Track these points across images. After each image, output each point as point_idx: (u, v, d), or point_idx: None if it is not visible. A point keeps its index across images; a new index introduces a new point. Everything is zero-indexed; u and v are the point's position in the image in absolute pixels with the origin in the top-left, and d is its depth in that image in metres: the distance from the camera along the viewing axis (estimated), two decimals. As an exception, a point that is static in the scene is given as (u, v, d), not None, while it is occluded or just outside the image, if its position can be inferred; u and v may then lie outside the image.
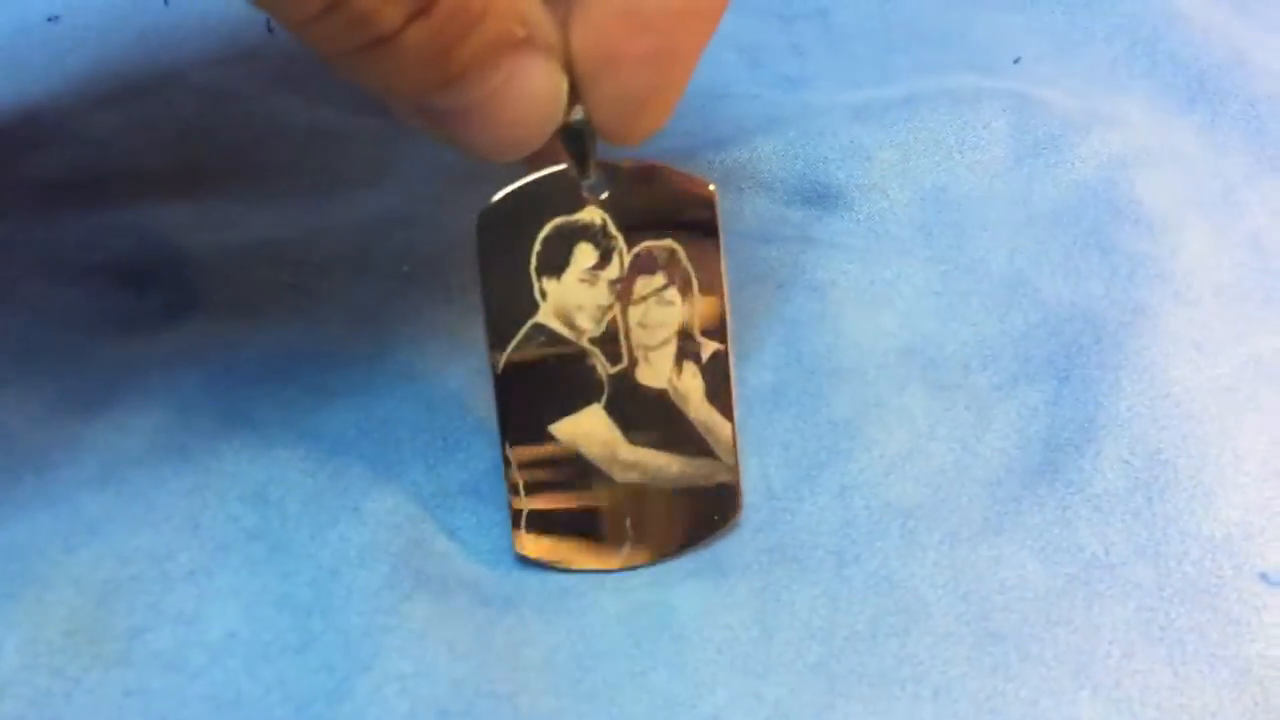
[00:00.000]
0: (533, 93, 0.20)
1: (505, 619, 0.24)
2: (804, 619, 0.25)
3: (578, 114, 0.21)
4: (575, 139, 0.22)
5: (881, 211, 0.32)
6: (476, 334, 0.25)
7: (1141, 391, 0.28)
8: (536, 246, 0.24)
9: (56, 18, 0.33)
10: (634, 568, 0.25)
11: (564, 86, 0.20)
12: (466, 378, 0.27)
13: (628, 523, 0.25)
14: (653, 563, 0.25)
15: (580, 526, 0.25)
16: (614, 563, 0.25)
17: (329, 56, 0.19)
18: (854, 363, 0.29)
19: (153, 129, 0.31)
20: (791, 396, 0.28)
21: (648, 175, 0.24)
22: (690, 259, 0.25)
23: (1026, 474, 0.27)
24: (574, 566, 0.25)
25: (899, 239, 0.32)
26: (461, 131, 0.20)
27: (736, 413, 0.25)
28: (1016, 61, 0.38)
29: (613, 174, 0.23)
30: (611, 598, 0.24)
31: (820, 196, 0.32)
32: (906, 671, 0.24)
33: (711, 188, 0.24)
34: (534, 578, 0.25)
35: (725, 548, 0.26)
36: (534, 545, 0.25)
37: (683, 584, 0.25)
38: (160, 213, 0.29)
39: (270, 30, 0.33)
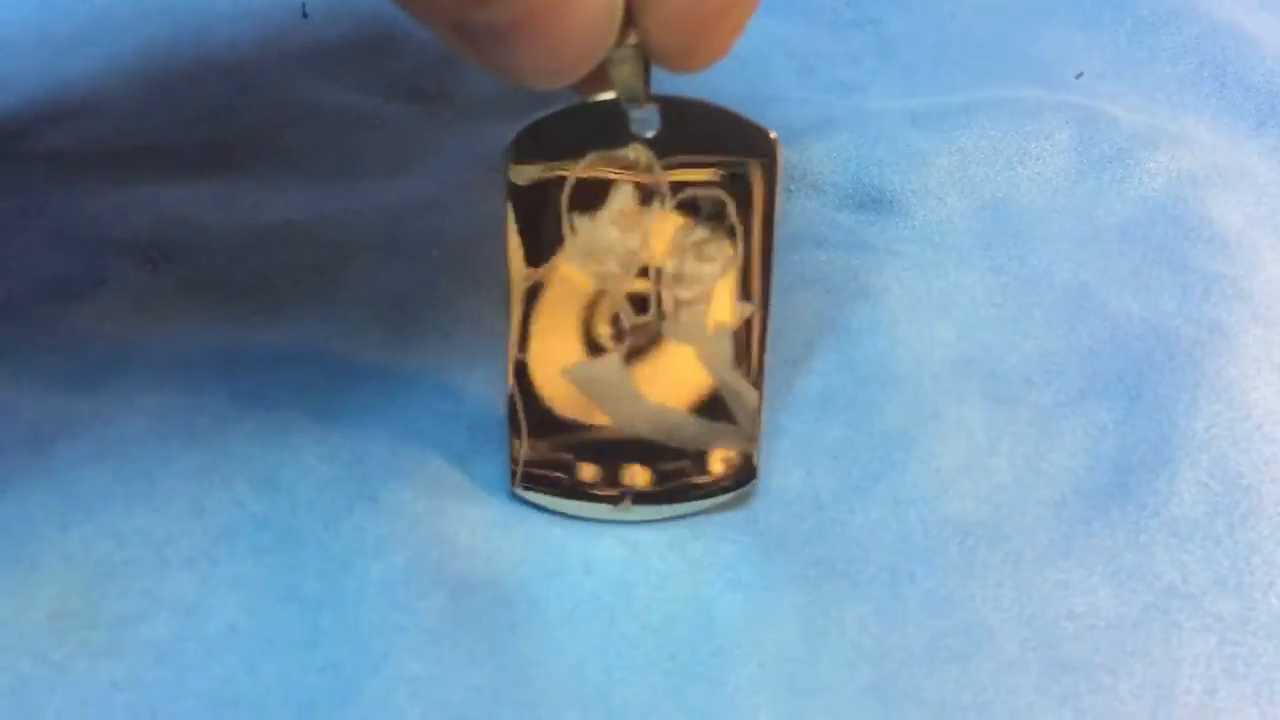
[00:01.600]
0: (583, 8, 0.18)
1: (529, 623, 0.22)
2: (855, 638, 0.22)
3: (632, 37, 0.19)
4: (627, 65, 0.20)
5: (939, 219, 0.31)
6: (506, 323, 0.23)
7: (1220, 412, 0.26)
8: (571, 179, 0.22)
9: (87, -7, 0.32)
10: (634, 522, 0.23)
11: (619, 1, 0.18)
12: (495, 368, 0.25)
13: (633, 474, 0.23)
14: (653, 520, 0.23)
15: (584, 473, 0.23)
16: (614, 514, 0.23)
17: None
18: (909, 372, 0.27)
19: (178, 107, 0.30)
20: (842, 404, 0.26)
21: (704, 115, 0.21)
22: (739, 214, 0.22)
23: (1095, 495, 0.25)
24: (572, 513, 0.23)
25: (957, 248, 0.30)
26: (501, 52, 0.18)
27: (766, 385, 0.23)
28: (1079, 77, 0.36)
29: (665, 110, 0.21)
30: (646, 606, 0.22)
31: (874, 201, 0.31)
32: (967, 699, 0.22)
33: (773, 136, 0.22)
34: (560, 580, 0.23)
35: (769, 560, 0.24)
36: (532, 487, 0.23)
37: (724, 595, 0.23)
38: (182, 191, 0.28)
39: (305, 15, 0.32)
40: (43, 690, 0.20)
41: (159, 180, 0.28)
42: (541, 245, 0.22)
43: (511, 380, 0.23)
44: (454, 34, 0.18)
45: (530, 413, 0.23)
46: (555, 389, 0.23)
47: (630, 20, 0.19)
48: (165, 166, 0.28)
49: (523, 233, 0.22)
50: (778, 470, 0.25)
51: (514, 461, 0.23)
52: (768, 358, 0.23)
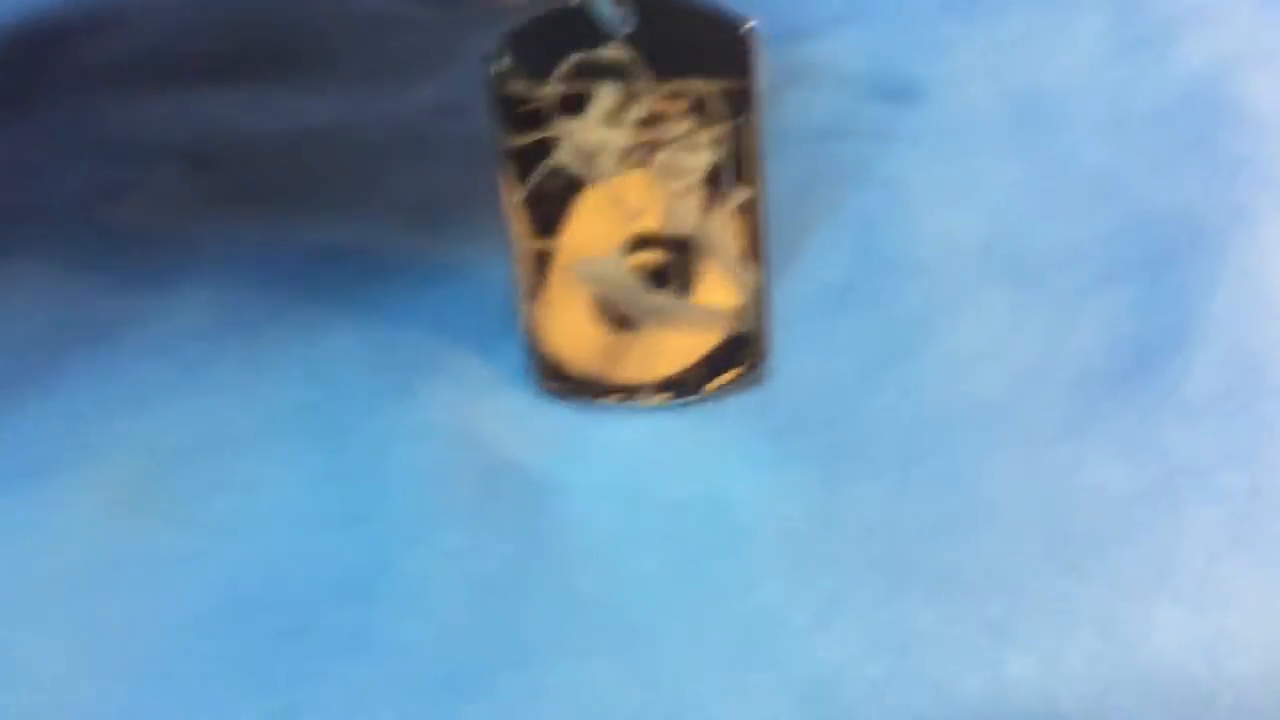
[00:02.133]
0: None
1: (554, 502, 0.23)
2: (865, 514, 0.24)
3: None
4: None
5: (965, 107, 0.31)
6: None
7: (1238, 294, 0.27)
8: (556, 83, 0.23)
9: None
10: (653, 406, 0.25)
11: None
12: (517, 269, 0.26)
13: (647, 363, 0.25)
14: (670, 403, 0.25)
15: (599, 364, 0.24)
16: (633, 400, 0.25)
17: None
18: (930, 260, 0.28)
19: (214, 16, 0.31)
20: (862, 294, 0.27)
21: (680, 11, 0.22)
22: (723, 101, 0.23)
23: (1112, 376, 0.26)
24: (594, 399, 0.24)
25: (983, 135, 0.30)
26: None
27: (779, 285, 0.25)
28: (1118, -43, 0.36)
29: (641, 8, 0.22)
30: (664, 487, 0.24)
31: (900, 91, 0.31)
32: (972, 569, 0.23)
33: (750, 25, 0.23)
34: (583, 463, 0.24)
35: (784, 441, 0.25)
36: (554, 380, 0.24)
37: (739, 475, 0.24)
38: (220, 97, 0.29)
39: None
40: (119, 559, 0.22)
41: (198, 88, 0.29)
42: (534, 160, 0.23)
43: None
44: None
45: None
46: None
47: None
48: (203, 74, 0.29)
49: (516, 151, 0.23)
50: (796, 357, 0.26)
51: (535, 371, 0.25)
52: (768, 239, 0.24)
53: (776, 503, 0.24)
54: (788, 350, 0.26)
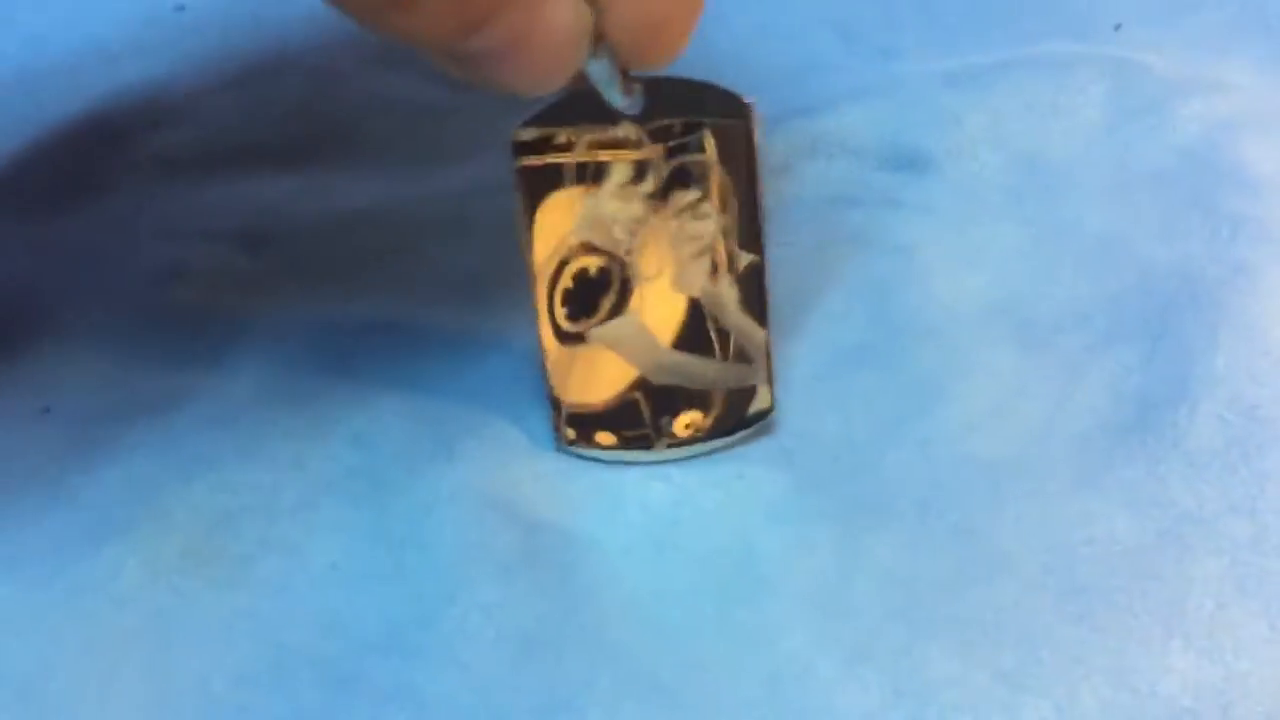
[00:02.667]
0: (557, 28, 0.20)
1: (589, 558, 0.25)
2: (885, 566, 0.25)
3: (602, 45, 0.22)
4: (602, 67, 0.22)
5: (971, 175, 0.32)
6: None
7: (1239, 348, 0.28)
8: (572, 162, 0.24)
9: (182, 7, 0.35)
10: (677, 461, 0.26)
11: (588, 19, 0.21)
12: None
13: (664, 420, 0.26)
14: (685, 457, 0.26)
15: (617, 421, 0.26)
16: (649, 455, 0.26)
17: (353, 15, 0.19)
18: (942, 322, 0.29)
19: (266, 108, 0.33)
20: (876, 354, 0.28)
21: (684, 90, 0.24)
22: (727, 172, 0.25)
23: (1118, 430, 0.27)
24: (613, 458, 0.26)
25: (989, 202, 0.32)
26: (492, 73, 0.21)
27: (782, 331, 0.26)
28: (1118, 28, 0.37)
29: (648, 89, 0.24)
30: (694, 540, 0.25)
31: (909, 161, 0.33)
32: (989, 618, 0.24)
33: (749, 100, 0.24)
34: (614, 521, 0.25)
35: (805, 497, 0.26)
36: (575, 435, 0.26)
37: (764, 529, 0.25)
38: (273, 184, 0.31)
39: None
40: (177, 618, 0.23)
41: (251, 174, 0.31)
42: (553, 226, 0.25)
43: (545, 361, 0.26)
44: (447, 60, 0.21)
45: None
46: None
47: (599, 33, 0.21)
48: (256, 161, 0.31)
49: (535, 220, 0.25)
50: (814, 416, 0.27)
51: (557, 429, 0.26)
52: (778, 304, 0.26)
53: (799, 555, 0.25)
54: (806, 408, 0.27)
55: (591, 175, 0.25)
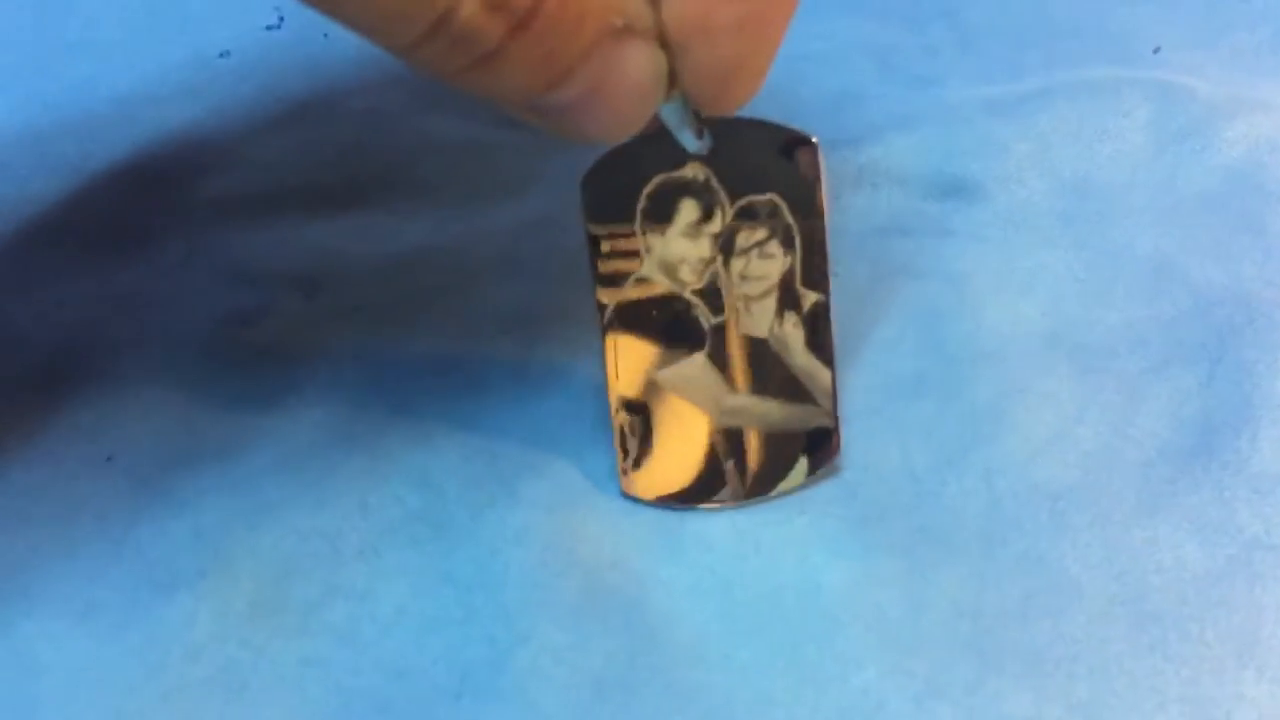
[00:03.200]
0: (635, 77, 0.20)
1: (654, 597, 0.24)
2: (953, 597, 0.24)
3: (676, 91, 0.22)
4: (675, 113, 0.23)
5: (1020, 202, 0.32)
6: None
7: (1300, 371, 0.28)
8: (641, 202, 0.25)
9: (228, 53, 0.36)
10: (734, 507, 0.26)
11: (664, 65, 0.21)
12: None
13: (729, 465, 0.26)
14: (750, 502, 0.26)
15: (683, 469, 0.26)
16: (716, 502, 0.26)
17: (435, 76, 0.20)
18: (996, 349, 0.29)
19: (317, 150, 0.33)
20: (933, 384, 0.28)
21: (750, 131, 0.24)
22: (792, 211, 0.25)
23: (1180, 455, 0.27)
24: (678, 505, 0.26)
25: (1039, 228, 0.32)
26: (570, 123, 0.21)
27: (850, 375, 0.26)
28: (1156, 51, 0.37)
29: (716, 131, 0.24)
30: (759, 577, 0.25)
31: (957, 189, 0.33)
32: (1061, 650, 0.24)
33: (814, 139, 0.25)
34: (679, 559, 0.25)
35: (869, 530, 0.26)
36: (641, 485, 0.26)
37: (829, 564, 0.25)
38: (324, 226, 0.31)
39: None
40: (247, 668, 0.23)
41: (302, 217, 0.31)
42: (622, 269, 0.25)
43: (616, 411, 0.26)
44: (526, 111, 0.21)
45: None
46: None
47: (673, 79, 0.21)
48: (306, 204, 0.31)
49: (604, 262, 0.25)
50: (874, 447, 0.27)
51: (623, 473, 0.26)
52: (836, 338, 0.26)
53: (865, 589, 0.25)
54: (864, 440, 0.27)
55: (661, 216, 0.25)
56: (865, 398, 0.28)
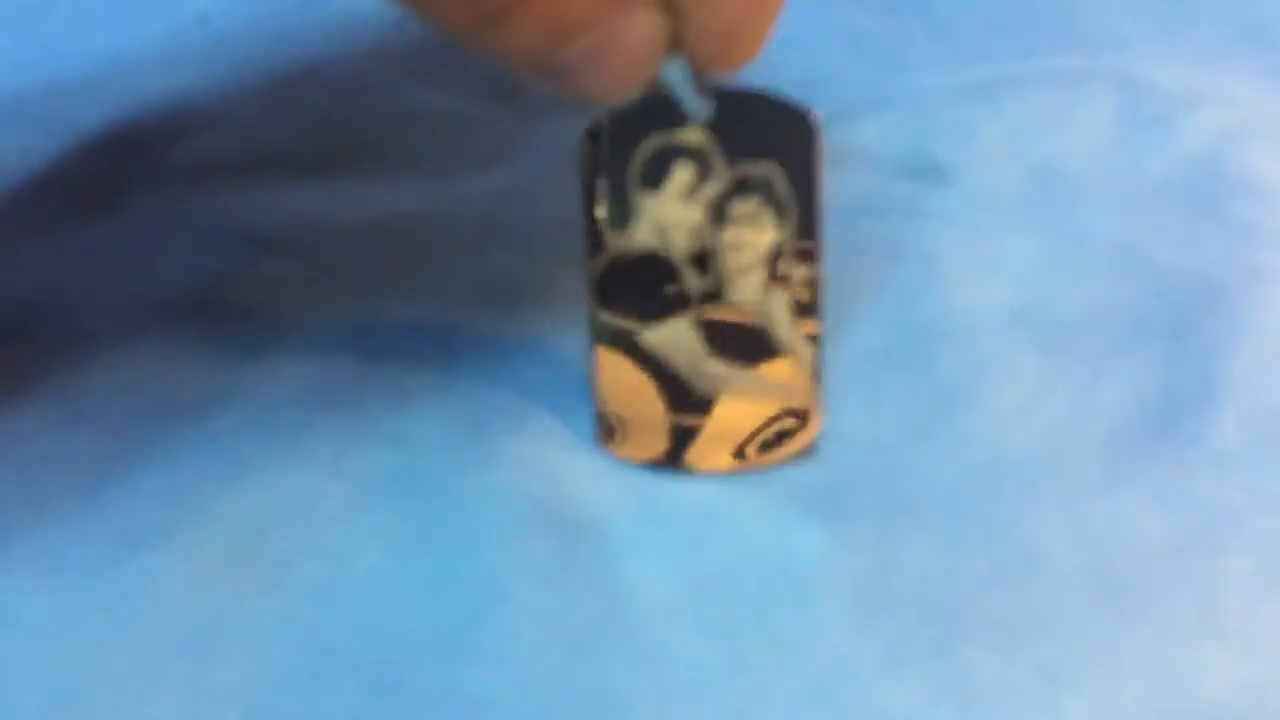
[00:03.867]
0: (638, 39, 0.21)
1: (630, 559, 0.25)
2: (922, 564, 0.25)
3: (677, 51, 0.22)
4: (677, 73, 0.23)
5: (988, 186, 0.33)
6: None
7: (1259, 350, 0.28)
8: (636, 162, 0.25)
9: (206, 18, 0.35)
10: (708, 473, 0.26)
11: (666, 27, 0.21)
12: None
13: (706, 432, 0.26)
14: (727, 471, 0.26)
15: (660, 431, 0.26)
16: (690, 466, 0.26)
17: (447, 32, 0.20)
18: (965, 327, 0.29)
19: (294, 117, 0.33)
20: (903, 358, 0.29)
21: (751, 101, 0.24)
22: (788, 185, 0.25)
23: (1143, 429, 0.27)
24: (654, 465, 0.26)
25: (1007, 211, 0.32)
26: (574, 82, 0.21)
27: (826, 351, 0.26)
28: (1122, 44, 0.38)
29: (717, 98, 0.24)
30: (733, 541, 0.25)
31: (927, 172, 0.33)
32: (1026, 615, 0.24)
33: (816, 115, 0.25)
34: (655, 521, 0.25)
35: (841, 497, 0.26)
36: (618, 445, 0.26)
37: (801, 529, 0.25)
38: (300, 192, 0.31)
39: (400, 26, 0.35)
40: (219, 623, 0.23)
41: (283, 182, 0.31)
42: (614, 227, 0.25)
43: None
44: (530, 69, 0.21)
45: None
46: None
47: (674, 40, 0.22)
48: (287, 170, 0.31)
49: (596, 217, 0.25)
50: (846, 418, 0.27)
51: (600, 433, 0.26)
52: (824, 317, 0.26)
53: (837, 555, 0.25)
54: (836, 410, 0.27)
55: (655, 177, 0.25)
56: (837, 369, 0.28)
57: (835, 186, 0.33)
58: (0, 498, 0.25)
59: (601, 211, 0.25)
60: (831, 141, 0.34)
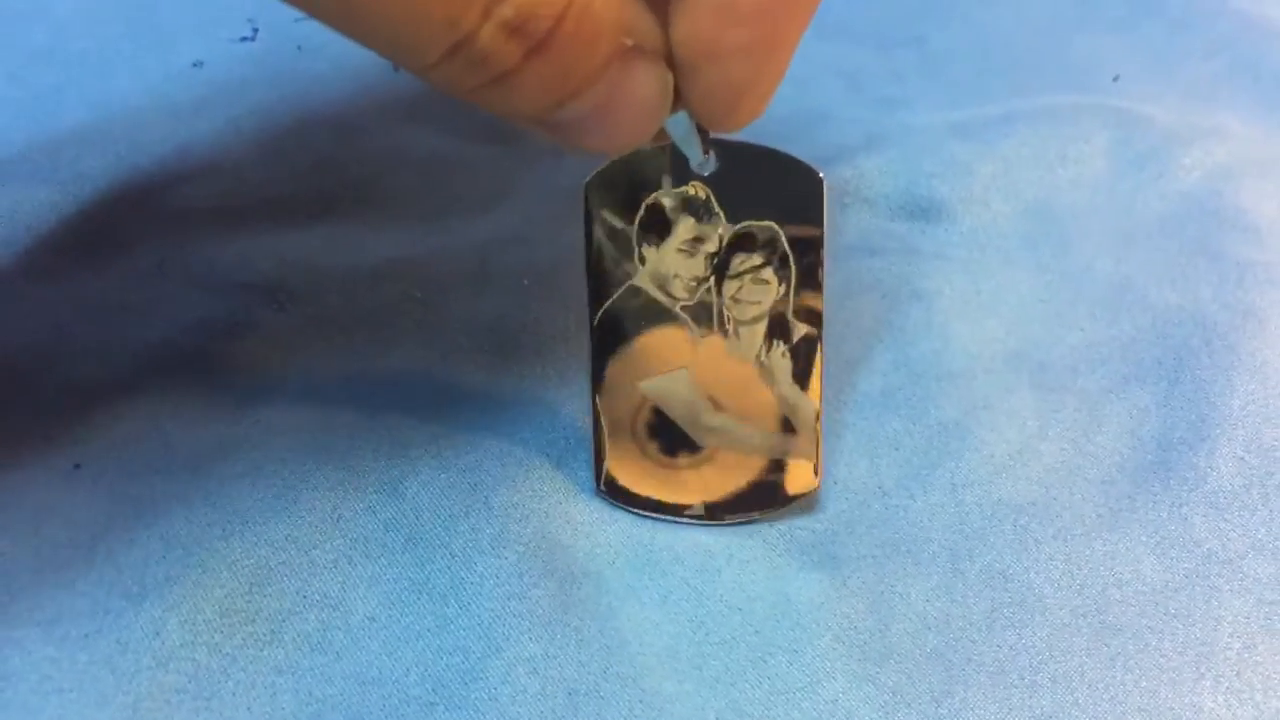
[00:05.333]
0: (643, 95, 0.21)
1: (627, 607, 0.25)
2: (920, 610, 0.25)
3: (681, 108, 0.22)
4: (681, 129, 0.23)
5: (984, 224, 0.33)
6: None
7: (1254, 391, 0.28)
8: (640, 213, 0.25)
9: (201, 64, 0.36)
10: (703, 524, 0.26)
11: (670, 84, 0.21)
12: (587, 382, 0.28)
13: (704, 482, 0.26)
14: (722, 523, 0.26)
15: (658, 480, 0.26)
16: (686, 515, 0.26)
17: (453, 92, 0.20)
18: (962, 367, 0.30)
19: (289, 162, 0.33)
20: (900, 400, 0.29)
21: (757, 156, 0.24)
22: (791, 242, 0.25)
23: (1139, 472, 0.27)
24: (648, 513, 0.26)
25: (1003, 249, 0.32)
26: (578, 137, 0.21)
27: (823, 396, 0.26)
28: (1115, 80, 0.38)
29: (722, 152, 0.24)
30: (730, 588, 0.25)
31: (923, 210, 0.33)
32: (1024, 661, 0.24)
33: (820, 175, 0.25)
34: (651, 570, 0.25)
35: (839, 543, 0.26)
36: (614, 489, 0.26)
37: (799, 576, 0.25)
38: (298, 237, 0.31)
39: (396, 70, 0.35)
40: (218, 675, 0.23)
41: (277, 228, 0.31)
42: (616, 276, 0.25)
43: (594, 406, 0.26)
44: (536, 125, 0.21)
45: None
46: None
47: (679, 96, 0.22)
48: (281, 215, 0.31)
49: (599, 266, 0.25)
50: (843, 462, 0.27)
51: (597, 477, 0.26)
52: (824, 372, 0.26)
53: (834, 601, 0.25)
54: (833, 454, 0.27)
55: (658, 229, 0.25)
56: (835, 413, 0.28)
57: (833, 226, 0.33)
58: (0, 551, 0.25)
59: (604, 261, 0.25)
60: (829, 181, 0.34)
